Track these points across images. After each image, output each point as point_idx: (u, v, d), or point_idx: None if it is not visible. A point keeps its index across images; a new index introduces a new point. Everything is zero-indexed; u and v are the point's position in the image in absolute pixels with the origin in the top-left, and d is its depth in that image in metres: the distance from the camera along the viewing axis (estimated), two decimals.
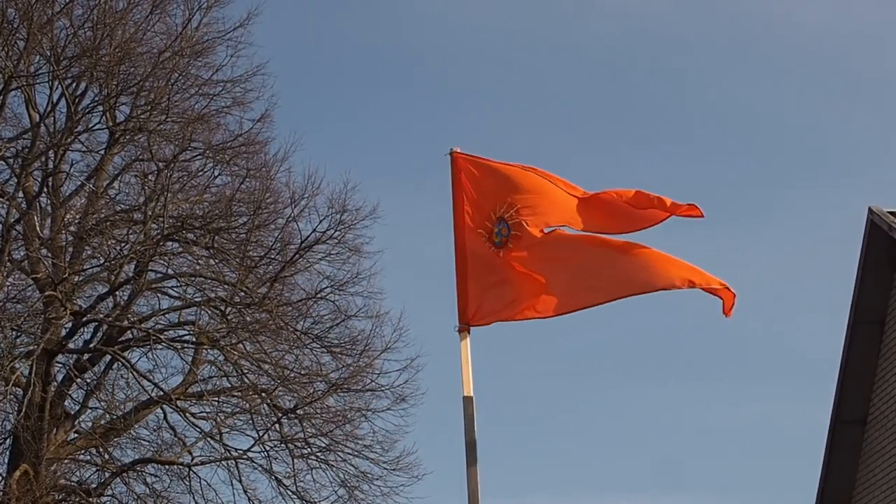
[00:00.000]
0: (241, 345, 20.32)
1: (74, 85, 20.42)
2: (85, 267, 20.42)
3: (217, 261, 20.44)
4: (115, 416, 20.50)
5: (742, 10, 41.17)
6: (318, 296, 20.82)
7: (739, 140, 41.49)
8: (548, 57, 40.71)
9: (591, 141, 39.09)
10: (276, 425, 20.53)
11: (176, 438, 20.63)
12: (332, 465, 20.77)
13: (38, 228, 19.92)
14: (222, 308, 20.06)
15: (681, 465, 34.04)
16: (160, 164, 20.15)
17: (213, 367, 20.95)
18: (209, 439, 20.54)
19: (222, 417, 20.71)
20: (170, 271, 20.55)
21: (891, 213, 17.00)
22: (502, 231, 9.11)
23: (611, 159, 38.59)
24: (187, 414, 20.46)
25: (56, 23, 19.89)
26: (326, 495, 20.73)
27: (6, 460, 19.97)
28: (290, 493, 20.54)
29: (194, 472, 20.54)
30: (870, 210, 17.15)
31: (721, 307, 8.77)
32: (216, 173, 20.92)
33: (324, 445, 20.79)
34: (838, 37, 41.47)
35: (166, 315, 20.62)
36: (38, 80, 20.27)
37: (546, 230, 9.08)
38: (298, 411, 20.60)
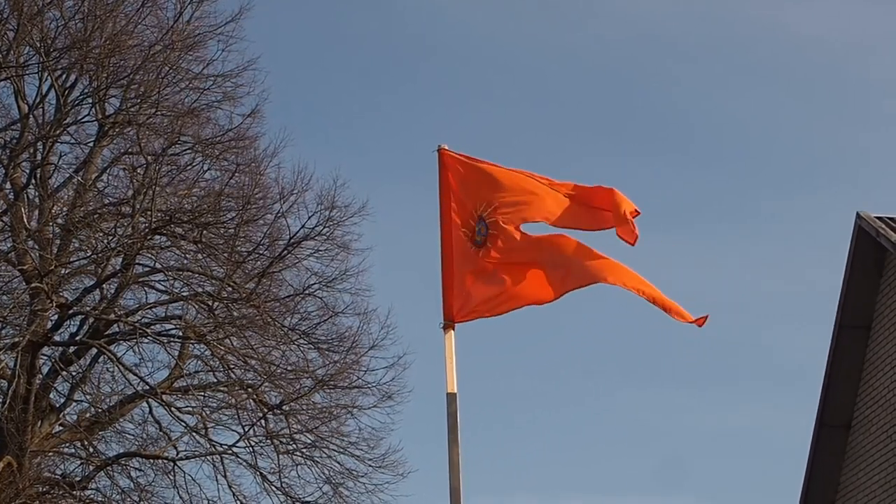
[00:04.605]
0: (227, 340, 20.28)
1: (64, 77, 20.36)
2: (72, 259, 20.37)
3: (205, 255, 20.40)
4: (100, 410, 20.45)
5: (738, 16, 41.24)
6: (306, 292, 20.80)
7: (729, 145, 41.58)
8: (544, 59, 40.73)
9: (586, 144, 39.14)
10: (262, 421, 20.51)
11: (161, 433, 20.60)
12: (318, 462, 20.77)
13: (25, 220, 19.86)
14: (209, 303, 20.03)
15: (666, 468, 34.09)
16: (149, 157, 20.10)
17: (199, 362, 20.93)
18: (194, 434, 20.51)
19: (208, 412, 20.68)
20: (157, 265, 20.49)
21: (878, 218, 17.05)
22: (482, 230, 9.17)
23: (604, 162, 38.57)
24: (173, 408, 20.42)
25: (46, 14, 19.85)
26: (311, 492, 20.74)
27: None
28: (274, 488, 20.53)
29: (179, 467, 20.51)
30: (857, 215, 17.21)
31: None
32: (205, 168, 20.89)
33: (309, 442, 20.77)
34: (829, 45, 41.59)
35: (153, 309, 20.58)
36: (27, 71, 20.21)
37: (522, 227, 9.16)
38: (284, 407, 20.58)
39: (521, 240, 9.12)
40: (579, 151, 38.90)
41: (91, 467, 20.58)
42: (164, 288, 20.73)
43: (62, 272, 19.99)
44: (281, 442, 20.61)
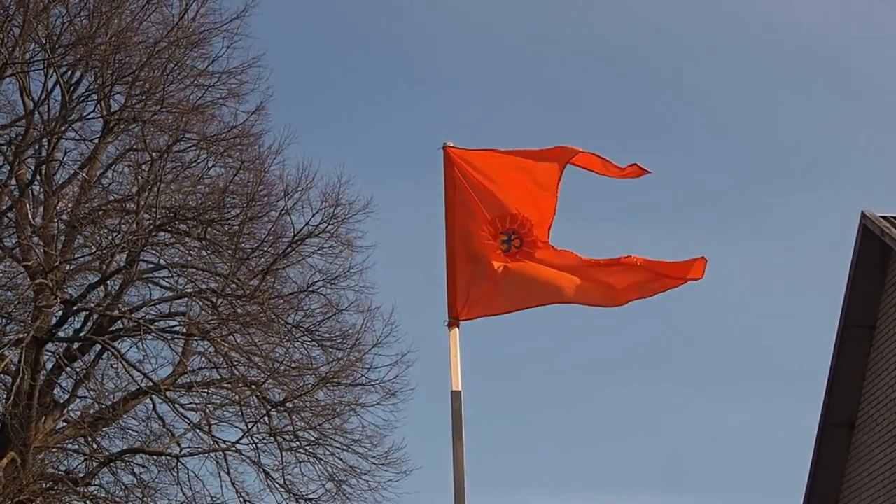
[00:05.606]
0: (231, 337, 20.29)
1: (69, 73, 20.36)
2: (76, 256, 20.38)
3: (209, 252, 20.41)
4: (103, 406, 20.47)
5: (740, 13, 41.23)
6: (310, 289, 20.82)
7: (731, 143, 41.59)
8: (547, 56, 40.75)
9: (588, 141, 38.94)
10: (265, 418, 20.52)
11: (164, 429, 20.62)
12: (321, 459, 20.78)
13: (30, 216, 19.88)
14: (213, 299, 20.03)
15: (669, 467, 34.09)
16: (154, 154, 20.11)
17: (202, 359, 20.94)
18: (198, 431, 20.53)
19: (211, 409, 20.70)
20: (161, 262, 20.51)
21: (883, 217, 17.05)
22: (514, 243, 9.16)
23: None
24: (176, 405, 20.44)
25: (52, 10, 19.84)
26: (314, 489, 20.76)
27: None
28: (277, 486, 20.55)
29: (182, 464, 20.54)
30: (862, 214, 17.21)
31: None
32: (210, 164, 20.90)
33: (312, 439, 20.79)
34: (832, 42, 41.57)
35: (157, 305, 20.59)
36: (32, 68, 20.22)
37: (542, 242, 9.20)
38: (288, 404, 20.59)
39: (554, 251, 9.14)
40: (583, 146, 38.80)
41: (94, 463, 20.59)
42: (168, 284, 20.76)
43: (66, 268, 20.00)
44: (284, 439, 20.62)
